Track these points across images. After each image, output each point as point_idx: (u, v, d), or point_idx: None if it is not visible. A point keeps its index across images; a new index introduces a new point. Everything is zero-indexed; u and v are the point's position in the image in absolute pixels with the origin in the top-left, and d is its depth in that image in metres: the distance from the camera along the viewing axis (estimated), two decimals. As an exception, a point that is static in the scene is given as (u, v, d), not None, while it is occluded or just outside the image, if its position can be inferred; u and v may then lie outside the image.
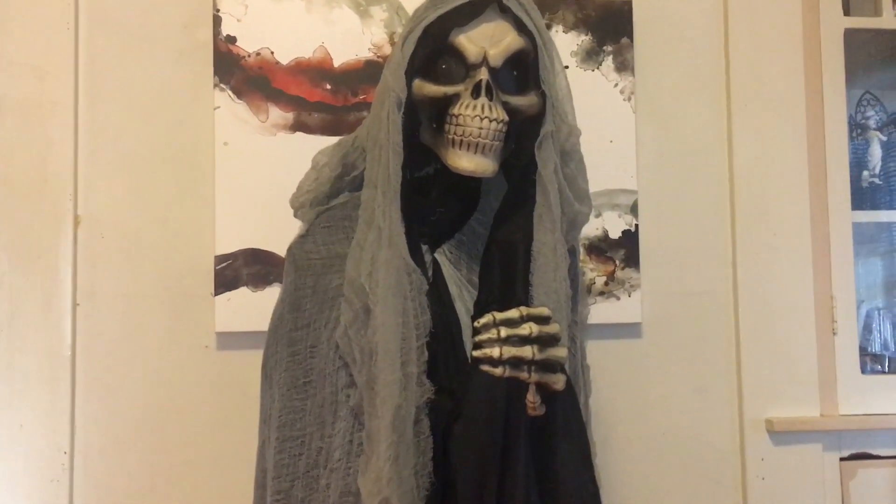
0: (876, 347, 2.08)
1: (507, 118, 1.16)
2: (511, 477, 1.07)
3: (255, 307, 1.69)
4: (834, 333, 1.87)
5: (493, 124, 1.14)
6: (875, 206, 2.10)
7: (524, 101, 1.18)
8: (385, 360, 1.09)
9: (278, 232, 1.57)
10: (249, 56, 1.76)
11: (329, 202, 1.29)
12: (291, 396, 1.19)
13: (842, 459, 1.85)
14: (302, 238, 1.27)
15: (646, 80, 1.88)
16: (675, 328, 1.85)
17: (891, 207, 2.11)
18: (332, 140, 1.34)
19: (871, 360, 2.03)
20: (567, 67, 1.38)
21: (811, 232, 1.88)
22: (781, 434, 1.83)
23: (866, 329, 2.09)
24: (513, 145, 1.20)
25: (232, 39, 1.76)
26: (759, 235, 1.87)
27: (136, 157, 1.76)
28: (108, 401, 1.72)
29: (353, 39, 1.79)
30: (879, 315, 2.11)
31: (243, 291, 1.72)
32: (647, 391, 1.84)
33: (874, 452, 1.87)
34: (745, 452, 1.83)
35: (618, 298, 1.82)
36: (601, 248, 1.83)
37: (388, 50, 1.77)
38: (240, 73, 1.76)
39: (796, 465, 1.83)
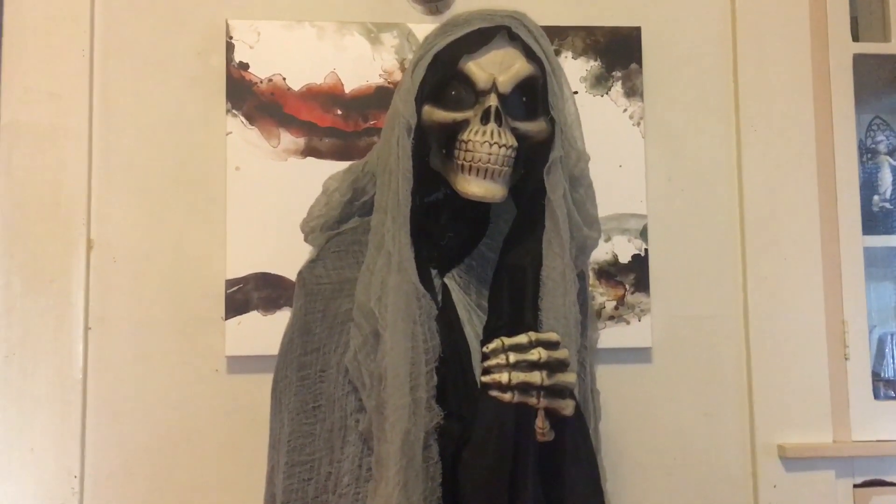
0: (889, 373, 2.06)
1: (515, 144, 1.16)
2: (520, 503, 1.06)
3: (265, 331, 1.70)
4: (846, 358, 1.86)
5: (503, 150, 1.15)
6: (886, 231, 2.09)
7: (533, 126, 1.19)
8: (394, 384, 1.09)
9: (289, 256, 1.58)
10: (261, 82, 1.78)
11: (339, 227, 1.30)
12: (301, 421, 1.19)
13: (855, 486, 1.83)
14: (312, 263, 1.28)
15: (655, 105, 1.88)
16: (686, 353, 1.85)
17: (902, 232, 2.10)
18: (343, 165, 1.35)
19: (884, 386, 2.01)
20: (576, 93, 1.39)
21: (822, 256, 1.87)
22: (794, 460, 1.81)
23: (879, 354, 2.07)
24: (522, 171, 1.21)
25: (244, 66, 1.78)
26: (769, 260, 1.87)
27: (149, 181, 1.77)
28: (119, 425, 1.72)
29: (364, 66, 1.80)
30: (892, 340, 2.09)
31: (254, 315, 1.73)
32: (657, 416, 1.83)
33: (888, 479, 1.84)
34: (757, 478, 1.82)
35: (628, 323, 1.82)
36: (611, 272, 1.83)
37: (398, 76, 1.79)
38: (252, 99, 1.77)
39: (809, 492, 1.81)
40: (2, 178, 1.73)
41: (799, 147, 1.90)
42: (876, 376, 1.98)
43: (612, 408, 1.58)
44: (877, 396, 1.89)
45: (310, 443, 1.19)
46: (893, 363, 2.06)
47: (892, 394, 2.01)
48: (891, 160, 2.13)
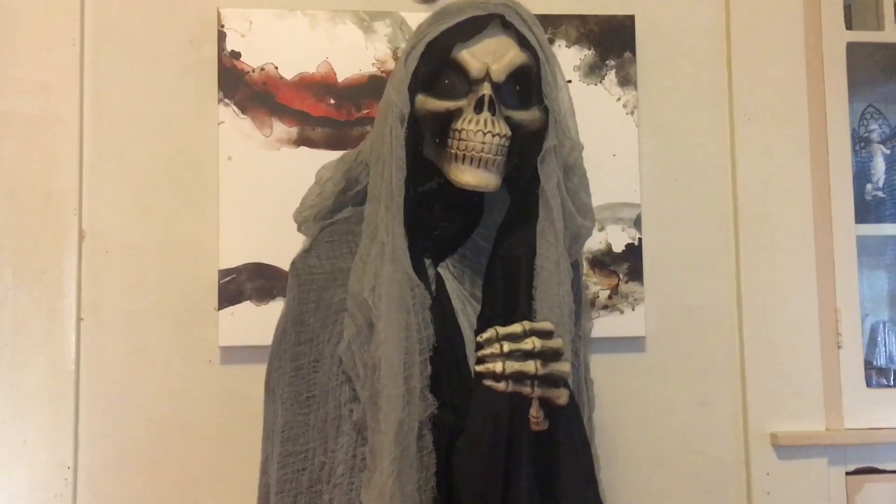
0: (881, 361, 2.06)
1: (509, 133, 1.16)
2: (514, 492, 1.06)
3: (258, 321, 1.69)
4: (839, 347, 1.86)
5: (496, 139, 1.15)
6: (879, 220, 2.09)
7: (527, 115, 1.19)
8: (388, 374, 1.09)
9: (282, 246, 1.57)
10: (254, 71, 1.77)
11: (332, 217, 1.30)
12: (295, 411, 1.20)
13: (847, 474, 1.84)
14: (305, 252, 1.28)
15: (649, 94, 1.88)
16: (679, 342, 1.85)
17: (895, 220, 2.10)
18: (336, 155, 1.35)
19: (877, 374, 2.02)
20: (570, 82, 1.40)
21: (815, 245, 1.88)
22: (786, 448, 1.82)
23: (871, 342, 2.08)
24: (516, 160, 1.21)
25: (236, 55, 1.77)
26: (762, 249, 1.87)
27: (141, 171, 1.76)
28: (112, 416, 1.71)
29: (357, 55, 1.79)
30: (884, 328, 2.10)
31: (247, 306, 1.72)
32: (651, 405, 1.83)
33: (880, 467, 1.85)
34: (750, 467, 1.83)
35: (621, 312, 1.82)
36: (604, 261, 1.83)
37: (391, 65, 1.78)
38: (244, 89, 1.76)
39: (802, 480, 1.82)
40: (-8, 169, 1.73)
41: (792, 136, 1.90)
42: (868, 364, 1.99)
43: (605, 397, 1.59)
44: (869, 384, 1.90)
45: (304, 433, 1.19)
46: (886, 351, 2.07)
47: (885, 382, 2.01)
48: (884, 149, 2.13)
